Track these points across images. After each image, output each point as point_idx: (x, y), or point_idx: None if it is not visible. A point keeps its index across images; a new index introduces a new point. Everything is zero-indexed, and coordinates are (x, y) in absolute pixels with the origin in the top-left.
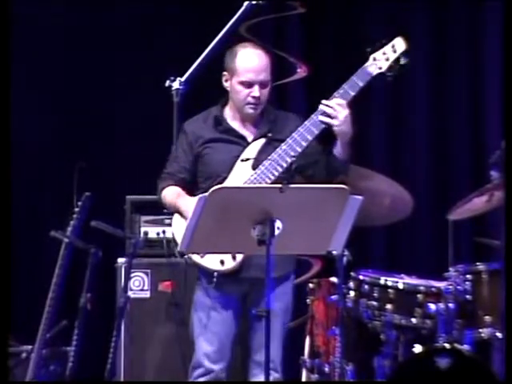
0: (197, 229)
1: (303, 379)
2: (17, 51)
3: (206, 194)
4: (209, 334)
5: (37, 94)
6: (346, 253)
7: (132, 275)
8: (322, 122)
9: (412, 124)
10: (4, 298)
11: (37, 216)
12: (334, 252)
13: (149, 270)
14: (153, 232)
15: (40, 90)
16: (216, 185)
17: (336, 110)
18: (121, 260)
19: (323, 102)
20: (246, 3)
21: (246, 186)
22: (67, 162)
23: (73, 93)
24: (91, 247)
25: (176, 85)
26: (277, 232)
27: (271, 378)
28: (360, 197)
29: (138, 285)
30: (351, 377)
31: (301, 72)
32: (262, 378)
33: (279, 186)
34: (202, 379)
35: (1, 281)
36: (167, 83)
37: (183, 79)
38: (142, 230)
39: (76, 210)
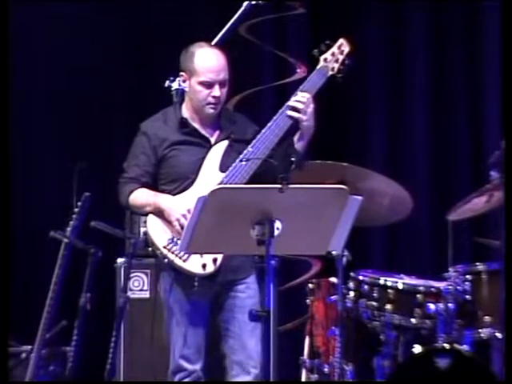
0: (196, 229)
1: (303, 379)
2: (17, 51)
3: (206, 194)
4: (186, 337)
5: (37, 94)
6: (346, 253)
7: (131, 275)
8: (291, 117)
9: (412, 124)
10: (4, 298)
11: (37, 216)
12: (334, 252)
13: (148, 270)
14: None
15: (40, 90)
16: (184, 187)
17: (304, 104)
18: (120, 260)
19: (293, 99)
20: (245, 3)
21: (246, 186)
22: (67, 161)
23: (73, 93)
24: (91, 247)
25: (176, 85)
26: (276, 232)
27: (252, 375)
28: (360, 197)
29: (138, 285)
30: (351, 377)
31: (301, 72)
32: (243, 378)
33: (279, 186)
34: (187, 380)
35: (1, 281)
36: (167, 83)
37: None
38: (142, 230)
39: (76, 210)
